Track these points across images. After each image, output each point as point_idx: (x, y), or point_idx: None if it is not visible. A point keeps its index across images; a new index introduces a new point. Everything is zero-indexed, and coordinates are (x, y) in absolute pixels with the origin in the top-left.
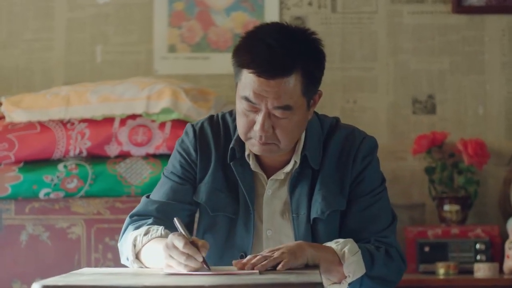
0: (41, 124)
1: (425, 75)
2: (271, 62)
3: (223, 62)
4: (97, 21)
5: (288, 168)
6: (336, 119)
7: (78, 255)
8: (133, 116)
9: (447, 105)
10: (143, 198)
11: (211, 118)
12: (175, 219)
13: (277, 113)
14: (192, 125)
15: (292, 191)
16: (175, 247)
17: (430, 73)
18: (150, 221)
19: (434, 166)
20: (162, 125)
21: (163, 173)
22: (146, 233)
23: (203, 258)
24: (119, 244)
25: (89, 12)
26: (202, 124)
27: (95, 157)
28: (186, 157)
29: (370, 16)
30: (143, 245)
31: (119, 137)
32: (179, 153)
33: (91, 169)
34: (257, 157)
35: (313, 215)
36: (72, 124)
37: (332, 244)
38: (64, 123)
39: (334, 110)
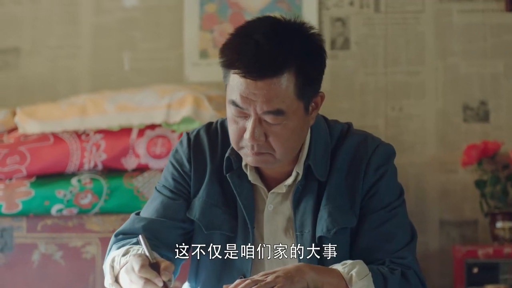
0: (54, 135)
1: (477, 79)
2: (258, 61)
3: None
4: (125, 26)
5: (289, 180)
6: (348, 125)
7: (93, 275)
8: (152, 126)
9: (501, 112)
10: (132, 215)
11: (208, 125)
12: (139, 236)
13: (268, 118)
14: (187, 134)
15: (296, 206)
16: (134, 271)
17: (482, 77)
18: (135, 240)
19: (486, 179)
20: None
21: (156, 187)
22: (125, 254)
23: (164, 283)
24: (103, 266)
25: (116, 16)
26: (198, 132)
27: (111, 171)
28: (179, 169)
29: (416, 15)
30: (121, 267)
31: (137, 149)
32: (172, 164)
33: (107, 183)
34: (256, 168)
35: (318, 233)
36: (87, 135)
37: (338, 266)
38: (79, 134)
39: (377, 119)
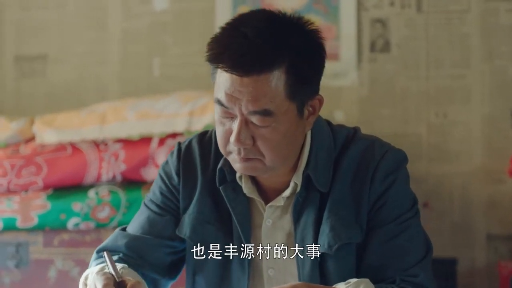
0: (72, 145)
1: None
2: (245, 55)
3: None
4: (154, 31)
5: (287, 192)
6: (355, 130)
7: None
8: (173, 135)
9: None
10: (117, 230)
11: (202, 134)
12: (104, 252)
13: (255, 119)
14: (179, 144)
15: (296, 220)
16: None
17: None
18: (116, 258)
19: None
20: None
21: (143, 201)
22: (99, 271)
23: None
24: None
25: (145, 21)
26: (190, 142)
27: (130, 183)
28: (167, 182)
29: (461, 15)
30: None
31: (157, 159)
32: (161, 177)
33: (125, 195)
34: (253, 179)
35: (320, 249)
36: (106, 144)
37: (341, 285)
38: (97, 144)
39: (419, 126)
